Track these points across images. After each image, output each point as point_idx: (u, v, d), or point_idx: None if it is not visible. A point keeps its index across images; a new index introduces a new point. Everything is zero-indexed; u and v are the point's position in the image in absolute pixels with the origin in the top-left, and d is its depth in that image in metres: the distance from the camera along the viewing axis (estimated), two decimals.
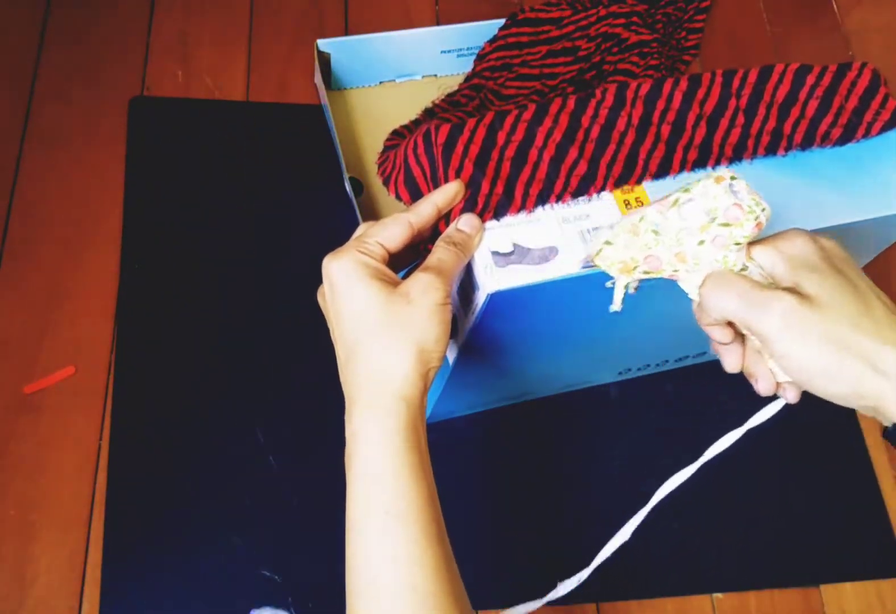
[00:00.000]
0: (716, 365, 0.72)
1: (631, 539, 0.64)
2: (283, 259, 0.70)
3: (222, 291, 0.68)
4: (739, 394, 0.71)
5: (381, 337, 0.41)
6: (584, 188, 0.45)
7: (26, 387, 0.63)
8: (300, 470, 0.63)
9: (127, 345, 0.65)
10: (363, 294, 0.41)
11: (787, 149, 0.47)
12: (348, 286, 0.41)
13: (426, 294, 0.41)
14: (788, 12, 0.91)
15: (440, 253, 0.43)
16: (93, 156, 0.72)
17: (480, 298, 0.44)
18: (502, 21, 0.75)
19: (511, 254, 0.43)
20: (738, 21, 0.89)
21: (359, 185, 0.72)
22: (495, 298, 0.43)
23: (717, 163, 0.47)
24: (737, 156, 0.47)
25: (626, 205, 0.45)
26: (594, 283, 0.45)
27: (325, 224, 0.71)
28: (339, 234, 0.71)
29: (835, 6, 0.93)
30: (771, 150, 0.47)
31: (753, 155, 0.47)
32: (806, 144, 0.48)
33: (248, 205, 0.71)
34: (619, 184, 0.45)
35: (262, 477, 0.62)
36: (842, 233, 0.48)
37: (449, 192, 0.44)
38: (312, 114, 0.76)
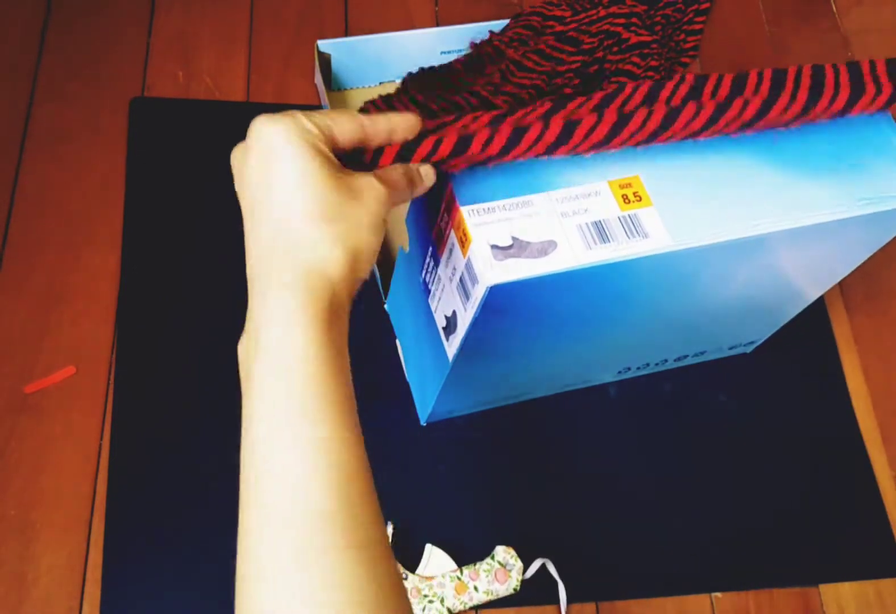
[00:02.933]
0: (716, 365, 0.72)
1: (631, 539, 0.64)
2: None
3: (222, 291, 0.68)
4: (739, 394, 0.72)
5: (318, 223, 0.35)
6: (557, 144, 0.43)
7: (26, 387, 0.63)
8: None
9: (127, 345, 0.65)
10: (306, 168, 0.35)
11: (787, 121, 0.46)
12: (290, 154, 0.35)
13: (375, 199, 0.37)
14: (788, 12, 0.91)
15: (391, 173, 0.39)
16: (93, 156, 0.72)
17: (480, 291, 0.44)
18: (502, 22, 0.76)
19: (510, 247, 0.43)
20: (738, 21, 0.90)
21: None
22: (494, 291, 0.43)
23: (704, 128, 0.45)
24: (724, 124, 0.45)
25: (625, 199, 0.45)
26: (593, 277, 0.45)
27: None
28: None
29: (834, 6, 0.93)
30: (762, 119, 0.46)
31: (747, 123, 0.46)
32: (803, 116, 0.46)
33: None
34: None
35: None
36: (835, 230, 0.48)
37: (409, 120, 0.40)
38: None
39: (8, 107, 0.72)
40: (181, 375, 0.65)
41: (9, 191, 0.69)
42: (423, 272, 0.53)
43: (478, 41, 0.75)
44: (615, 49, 0.76)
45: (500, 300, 0.44)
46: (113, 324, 0.66)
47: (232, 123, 0.76)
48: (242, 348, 0.37)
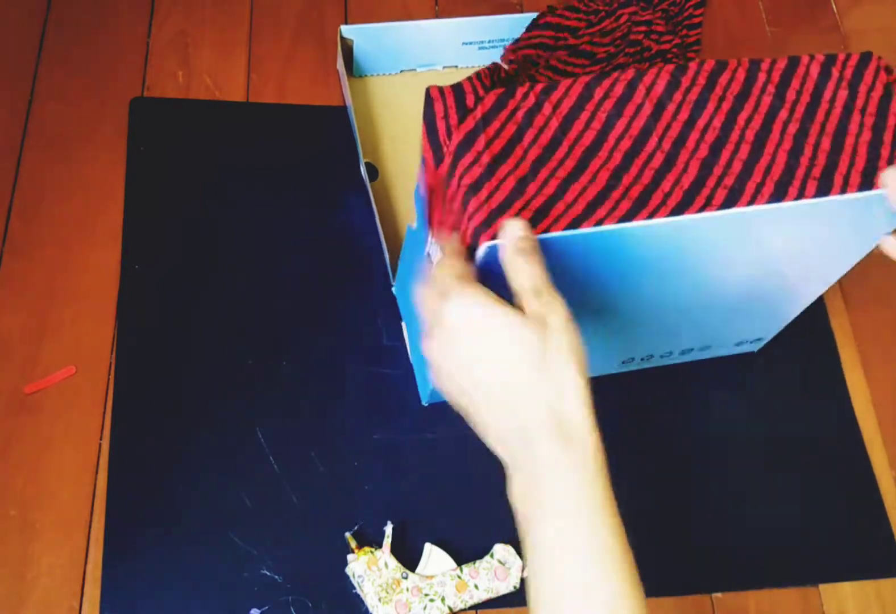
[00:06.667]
0: (715, 364, 0.72)
1: (629, 538, 0.64)
2: (283, 259, 0.70)
3: (222, 291, 0.68)
4: (739, 394, 0.72)
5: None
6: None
7: (26, 387, 0.63)
8: (300, 470, 0.63)
9: (127, 345, 0.65)
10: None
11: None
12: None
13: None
14: (788, 12, 0.91)
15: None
16: (93, 156, 0.72)
17: (480, 251, 0.43)
18: (525, 15, 0.76)
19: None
20: (738, 21, 0.90)
21: (374, 171, 0.73)
22: (492, 251, 0.43)
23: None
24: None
25: None
26: (592, 244, 0.45)
27: (324, 224, 0.71)
28: (338, 235, 0.72)
29: (834, 6, 0.93)
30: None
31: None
32: None
33: (248, 205, 0.72)
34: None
35: (262, 477, 0.62)
36: (826, 211, 0.48)
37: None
38: (312, 114, 0.76)
39: (8, 107, 0.72)
40: (181, 375, 0.65)
41: (9, 191, 0.69)
42: (428, 244, 0.53)
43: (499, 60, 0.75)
44: (638, 57, 0.77)
45: (499, 262, 0.44)
46: (113, 324, 0.66)
47: (232, 123, 0.77)
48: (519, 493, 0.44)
